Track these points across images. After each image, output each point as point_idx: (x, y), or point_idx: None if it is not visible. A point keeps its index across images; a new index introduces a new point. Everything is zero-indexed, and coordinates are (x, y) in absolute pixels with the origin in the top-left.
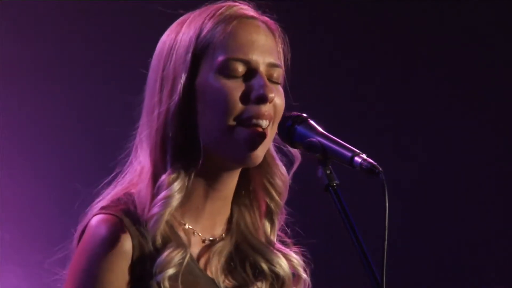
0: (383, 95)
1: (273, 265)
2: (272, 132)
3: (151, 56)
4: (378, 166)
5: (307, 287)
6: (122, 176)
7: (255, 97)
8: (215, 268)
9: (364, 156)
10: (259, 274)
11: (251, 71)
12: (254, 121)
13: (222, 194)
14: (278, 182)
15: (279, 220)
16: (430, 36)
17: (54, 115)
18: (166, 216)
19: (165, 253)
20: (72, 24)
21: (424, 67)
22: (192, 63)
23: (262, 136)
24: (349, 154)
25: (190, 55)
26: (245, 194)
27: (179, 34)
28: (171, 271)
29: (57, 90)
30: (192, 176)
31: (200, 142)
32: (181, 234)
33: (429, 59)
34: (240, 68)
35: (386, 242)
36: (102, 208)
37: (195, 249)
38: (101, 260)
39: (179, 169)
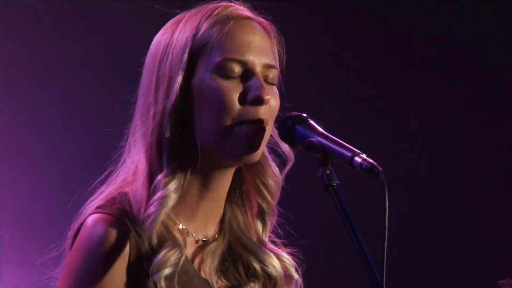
0: (383, 95)
1: (265, 265)
2: (268, 131)
3: None
4: (378, 166)
5: (299, 287)
6: (116, 175)
7: (252, 99)
8: (208, 269)
9: (364, 156)
10: (251, 274)
11: (248, 72)
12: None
13: (216, 194)
14: (271, 182)
15: (271, 221)
16: (431, 36)
17: (54, 115)
18: (162, 216)
19: (162, 253)
20: (72, 24)
21: (424, 67)
22: (188, 63)
23: (262, 131)
24: (349, 154)
25: (186, 54)
26: (238, 194)
27: (175, 34)
28: (167, 270)
29: (57, 90)
30: (188, 176)
31: (197, 142)
32: (176, 234)
33: (430, 59)
34: (237, 69)
35: (386, 242)
36: (98, 207)
37: (189, 250)
38: (98, 260)
39: (175, 169)
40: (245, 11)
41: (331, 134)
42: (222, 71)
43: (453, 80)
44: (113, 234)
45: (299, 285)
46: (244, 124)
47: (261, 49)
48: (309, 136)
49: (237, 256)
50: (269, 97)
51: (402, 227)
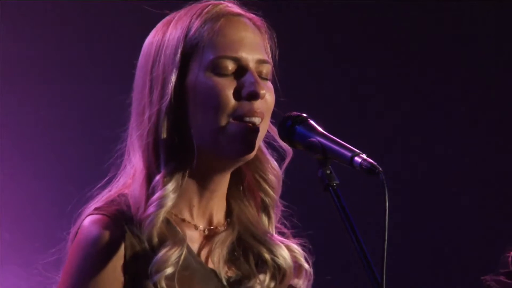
0: (383, 95)
1: (276, 256)
2: (263, 127)
3: None
4: (378, 166)
5: (309, 277)
6: (117, 180)
7: (247, 94)
8: (217, 259)
9: (364, 156)
10: (261, 265)
11: (241, 68)
12: (247, 118)
13: (215, 193)
14: (271, 177)
15: (276, 214)
16: (431, 36)
17: (54, 115)
18: (161, 216)
19: (161, 253)
20: (72, 24)
21: (424, 67)
22: (181, 63)
23: (255, 131)
24: (349, 154)
25: (179, 55)
26: (241, 190)
27: (166, 35)
28: (169, 270)
29: (57, 90)
30: (186, 176)
31: (194, 141)
32: (180, 229)
33: (430, 58)
34: (230, 66)
35: (386, 242)
36: (96, 208)
37: (195, 242)
38: (93, 260)
39: (173, 169)
40: (234, 8)
41: (331, 134)
42: (216, 69)
43: (453, 80)
44: (107, 235)
45: (309, 275)
46: (239, 121)
47: (253, 45)
48: (309, 136)
49: (247, 246)
50: (264, 91)
51: (402, 227)
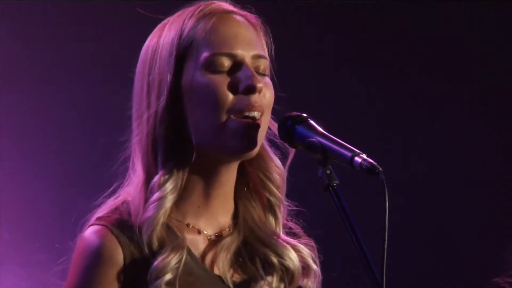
0: (383, 95)
1: (283, 258)
2: (264, 123)
3: None
4: (378, 166)
5: (317, 278)
6: (122, 188)
7: (244, 88)
8: (222, 264)
9: (364, 156)
10: (268, 268)
11: (237, 65)
12: (246, 113)
13: (221, 191)
14: (275, 175)
15: (282, 213)
16: (431, 36)
17: (54, 115)
18: (160, 219)
19: (160, 258)
20: (72, 24)
21: (424, 67)
22: (176, 64)
23: (256, 127)
24: (349, 154)
25: (173, 56)
26: (246, 190)
27: (161, 38)
28: (168, 276)
29: (57, 90)
30: (186, 176)
31: (193, 141)
32: (182, 234)
33: (430, 58)
34: (226, 63)
35: (386, 242)
36: (97, 218)
37: (199, 248)
38: (90, 271)
39: (171, 169)
40: (227, 5)
41: (331, 134)
42: (211, 66)
43: (454, 80)
44: (105, 245)
45: (317, 276)
46: (239, 117)
47: (248, 41)
48: (309, 136)
49: (254, 250)
50: (261, 85)
51: (402, 227)
